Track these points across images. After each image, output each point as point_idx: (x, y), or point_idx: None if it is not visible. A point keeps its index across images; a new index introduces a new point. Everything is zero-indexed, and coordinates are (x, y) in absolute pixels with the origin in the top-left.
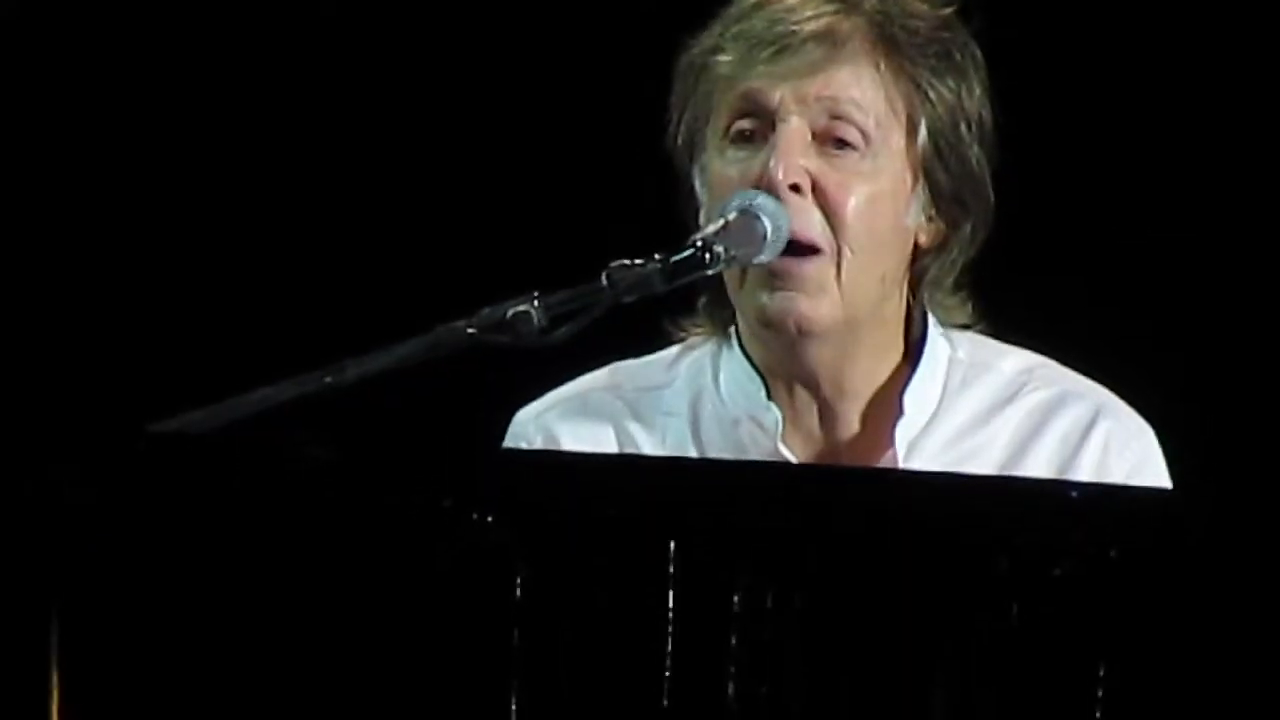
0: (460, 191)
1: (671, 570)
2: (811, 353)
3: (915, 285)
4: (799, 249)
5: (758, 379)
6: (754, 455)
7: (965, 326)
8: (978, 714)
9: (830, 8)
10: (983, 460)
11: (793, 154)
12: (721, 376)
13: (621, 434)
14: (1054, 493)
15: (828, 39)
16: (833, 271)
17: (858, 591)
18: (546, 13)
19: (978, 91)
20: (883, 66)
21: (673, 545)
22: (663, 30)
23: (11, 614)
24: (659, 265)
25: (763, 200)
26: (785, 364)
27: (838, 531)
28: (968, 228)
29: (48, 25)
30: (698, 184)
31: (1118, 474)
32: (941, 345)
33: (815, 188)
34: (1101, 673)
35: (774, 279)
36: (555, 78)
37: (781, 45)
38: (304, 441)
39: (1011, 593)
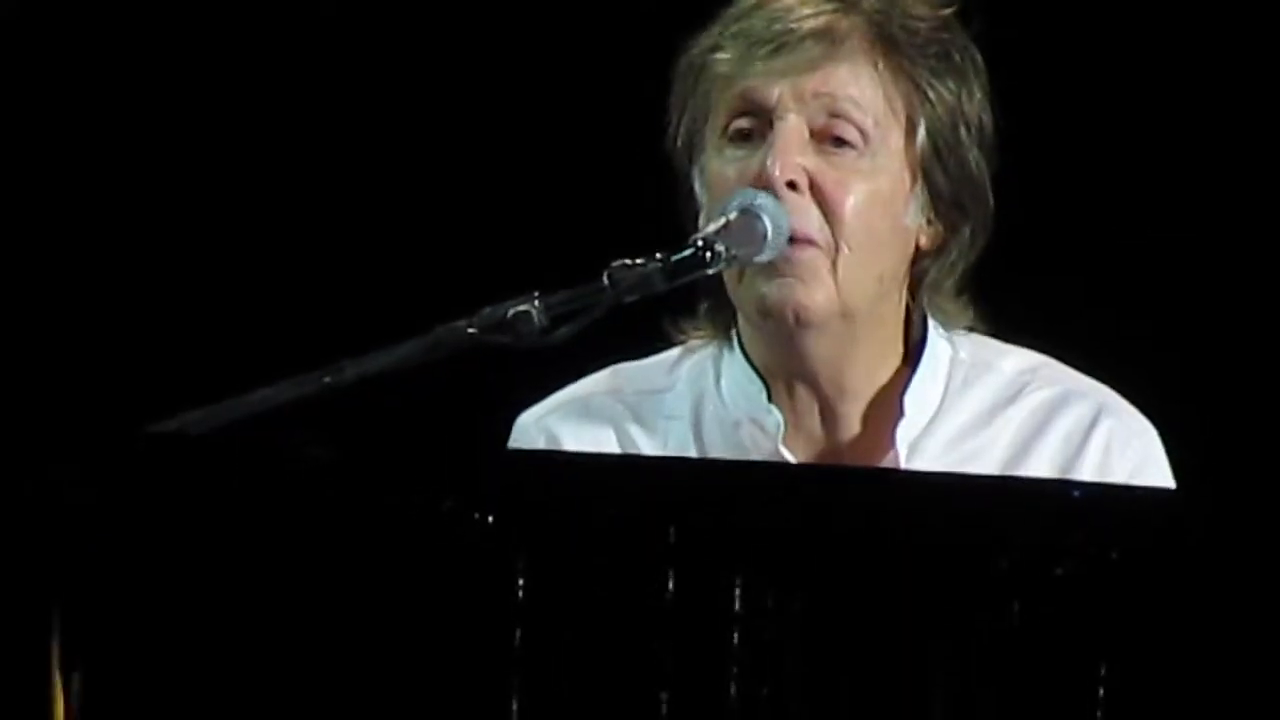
0: (460, 192)
1: (672, 570)
2: (810, 346)
3: (915, 287)
4: (797, 242)
5: (759, 381)
6: (755, 458)
7: (967, 329)
8: (978, 714)
9: (829, 6)
10: (985, 460)
11: (790, 151)
12: (723, 379)
13: (623, 437)
14: (1054, 493)
15: (826, 37)
16: (828, 264)
17: (858, 592)
18: (546, 13)
19: (978, 95)
20: (881, 65)
21: (673, 545)
22: (663, 30)
23: (12, 614)
24: (660, 265)
25: (763, 200)
26: (785, 361)
27: (838, 532)
28: (966, 231)
29: (48, 25)
30: (697, 184)
31: (1120, 473)
32: (942, 347)
33: (813, 185)
34: (1102, 673)
35: (771, 268)
36: (555, 78)
37: (780, 43)
38: (303, 442)
39: (1012, 593)
